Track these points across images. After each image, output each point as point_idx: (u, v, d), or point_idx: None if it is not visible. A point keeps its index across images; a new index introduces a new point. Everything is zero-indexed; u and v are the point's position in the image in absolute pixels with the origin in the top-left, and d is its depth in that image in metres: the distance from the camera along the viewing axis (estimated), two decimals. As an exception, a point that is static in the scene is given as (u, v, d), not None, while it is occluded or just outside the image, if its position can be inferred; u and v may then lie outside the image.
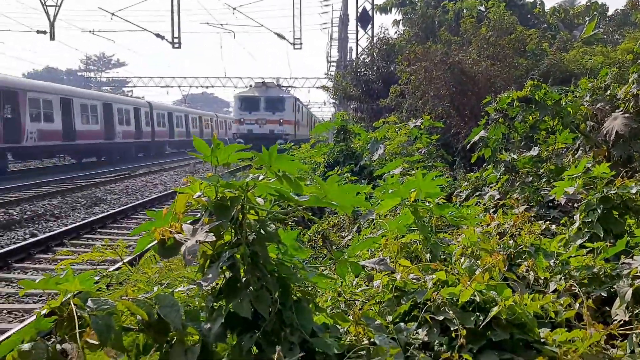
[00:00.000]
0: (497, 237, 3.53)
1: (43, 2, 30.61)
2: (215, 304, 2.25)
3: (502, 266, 2.68)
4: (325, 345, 2.19)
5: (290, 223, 6.46)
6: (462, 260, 3.10)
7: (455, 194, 8.04)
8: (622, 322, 2.50)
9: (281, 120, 36.56)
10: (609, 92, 7.22)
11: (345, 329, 2.42)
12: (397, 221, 3.67)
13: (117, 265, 8.99)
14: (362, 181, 9.10)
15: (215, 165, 2.42)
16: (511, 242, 3.27)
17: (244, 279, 2.24)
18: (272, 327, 2.15)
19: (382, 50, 22.41)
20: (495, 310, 2.33)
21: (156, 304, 2.15)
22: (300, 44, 38.78)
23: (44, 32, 32.06)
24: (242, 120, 36.85)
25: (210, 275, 2.18)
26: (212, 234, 2.19)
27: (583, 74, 12.10)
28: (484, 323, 2.34)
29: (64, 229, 13.27)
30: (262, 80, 39.76)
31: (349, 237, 5.88)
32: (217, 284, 2.28)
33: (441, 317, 2.41)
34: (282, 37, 37.63)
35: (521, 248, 3.20)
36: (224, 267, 2.22)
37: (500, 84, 13.24)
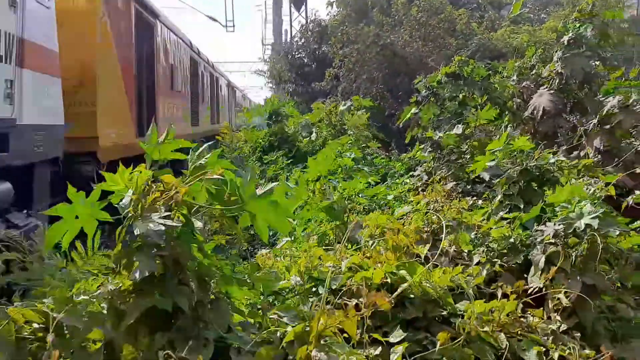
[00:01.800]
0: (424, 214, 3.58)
1: None
2: (126, 301, 2.15)
3: (406, 242, 2.72)
4: (240, 340, 2.22)
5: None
6: (370, 242, 3.12)
7: (389, 174, 8.14)
8: (537, 289, 2.57)
9: None
10: (534, 71, 7.42)
11: (261, 323, 2.41)
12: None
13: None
14: (299, 165, 9.13)
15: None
16: (434, 217, 3.31)
17: (163, 274, 2.16)
18: (186, 324, 2.11)
19: (315, 33, 22.31)
20: (403, 286, 2.32)
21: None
22: (233, 26, 38.12)
23: None
24: None
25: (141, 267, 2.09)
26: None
27: (511, 52, 12.39)
28: (395, 302, 2.33)
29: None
30: None
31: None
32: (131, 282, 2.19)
33: (354, 301, 2.42)
34: (213, 19, 36.40)
35: (444, 223, 3.24)
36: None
37: (432, 65, 13.43)
